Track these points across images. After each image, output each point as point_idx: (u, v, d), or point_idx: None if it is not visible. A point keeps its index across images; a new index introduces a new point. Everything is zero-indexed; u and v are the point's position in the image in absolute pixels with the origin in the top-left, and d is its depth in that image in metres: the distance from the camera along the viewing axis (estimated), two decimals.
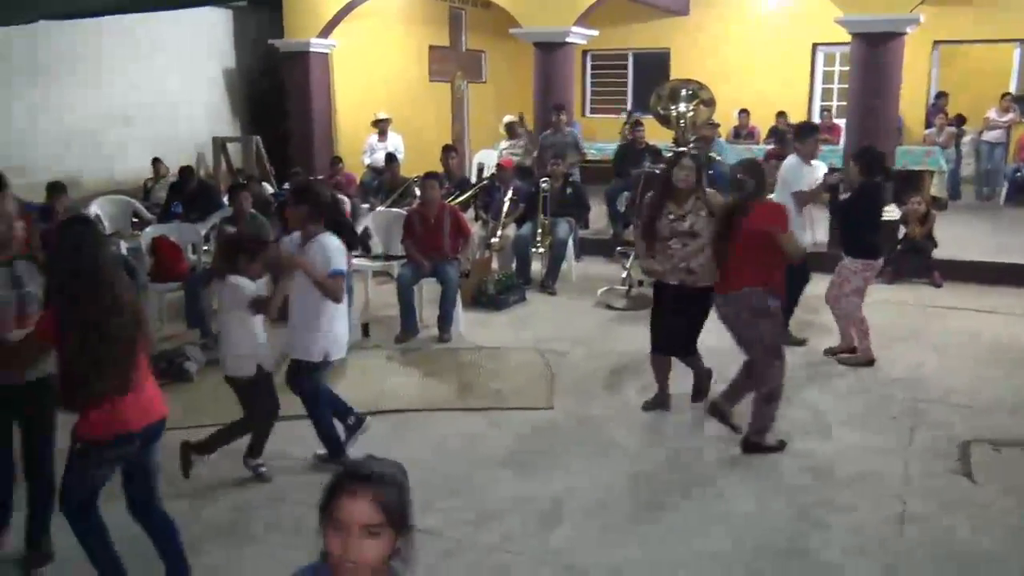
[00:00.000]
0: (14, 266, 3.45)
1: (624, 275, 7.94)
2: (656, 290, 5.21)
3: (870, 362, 6.06)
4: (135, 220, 9.28)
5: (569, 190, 8.75)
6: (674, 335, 5.14)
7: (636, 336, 5.78)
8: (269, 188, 10.01)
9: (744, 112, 13.10)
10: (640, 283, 7.85)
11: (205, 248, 8.03)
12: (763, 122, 12.98)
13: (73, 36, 9.87)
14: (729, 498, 4.28)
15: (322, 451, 4.57)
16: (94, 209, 8.95)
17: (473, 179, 10.89)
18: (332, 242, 4.29)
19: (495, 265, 8.29)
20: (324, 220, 4.34)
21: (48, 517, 3.66)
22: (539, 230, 8.39)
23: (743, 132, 13.07)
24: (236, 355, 4.29)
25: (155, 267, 7.08)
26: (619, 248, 8.45)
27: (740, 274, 4.59)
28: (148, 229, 7.82)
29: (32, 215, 7.16)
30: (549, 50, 10.55)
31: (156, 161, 10.53)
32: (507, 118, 10.63)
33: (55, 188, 7.46)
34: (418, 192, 8.47)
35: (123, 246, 8.24)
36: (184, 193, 9.14)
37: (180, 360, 5.88)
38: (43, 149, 9.69)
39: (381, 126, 11.25)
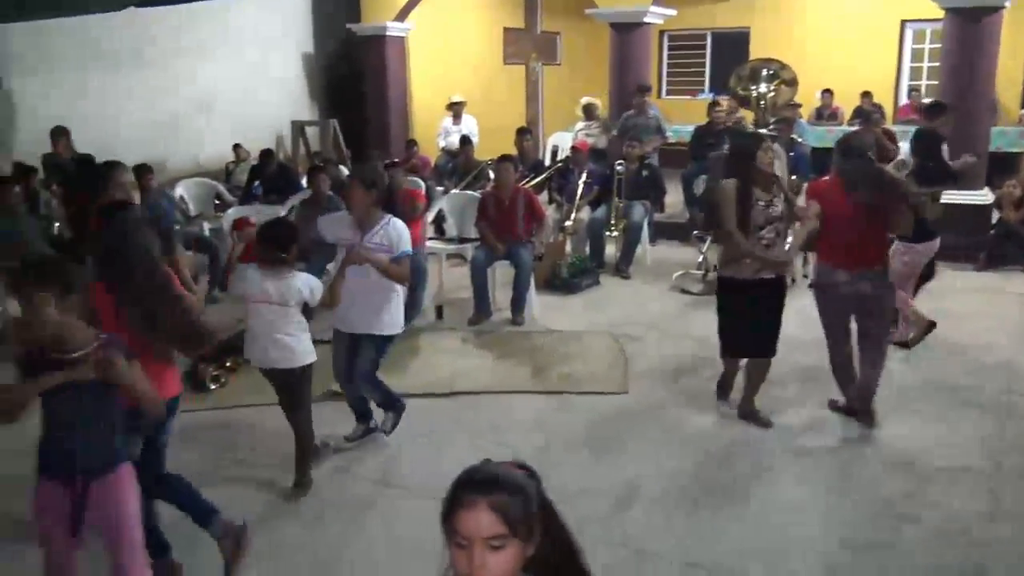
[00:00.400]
0: None
1: (700, 259, 7.80)
2: (734, 287, 4.72)
3: (902, 344, 5.88)
4: (217, 202, 9.53)
5: (645, 173, 8.63)
6: (764, 333, 4.75)
7: (711, 321, 5.66)
8: (345, 171, 10.14)
9: (827, 92, 12.69)
10: (716, 267, 7.70)
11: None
12: (847, 102, 12.55)
13: (159, 24, 10.16)
14: (807, 487, 4.17)
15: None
16: (179, 191, 9.23)
17: (547, 162, 10.83)
18: (401, 224, 4.30)
19: (569, 248, 8.23)
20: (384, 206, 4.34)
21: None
22: (613, 213, 8.31)
23: (826, 113, 12.67)
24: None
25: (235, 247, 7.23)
26: (695, 232, 8.31)
27: (878, 249, 4.63)
28: (230, 210, 8.03)
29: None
30: (626, 31, 10.39)
31: (237, 146, 10.79)
32: (585, 99, 10.51)
33: (142, 170, 7.69)
34: (492, 175, 8.48)
35: (206, 227, 8.51)
36: (264, 176, 9.37)
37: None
38: (132, 134, 10.01)
39: (456, 109, 11.27)
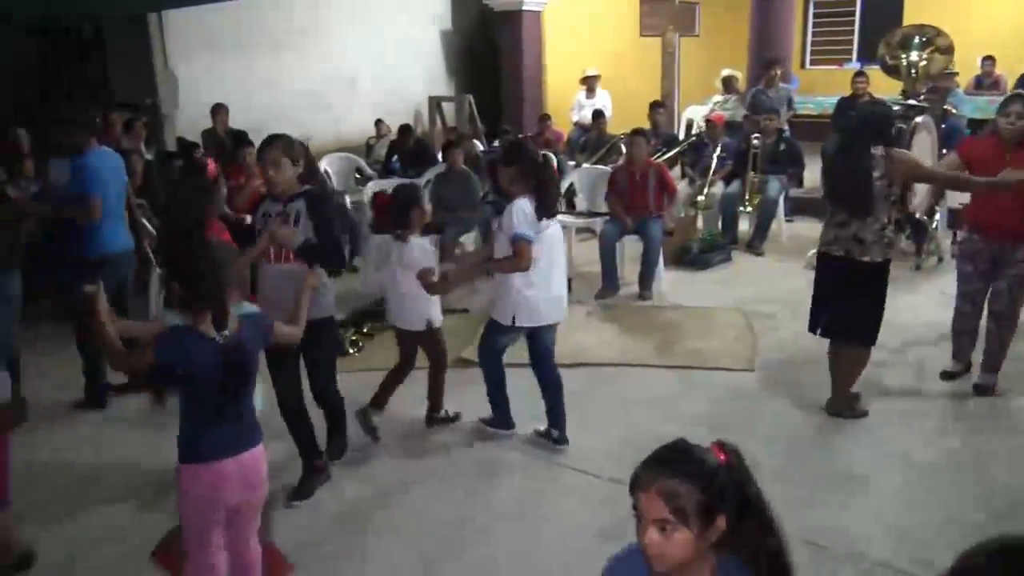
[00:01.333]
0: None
1: None
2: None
3: None
4: (358, 176, 9.95)
5: (783, 146, 8.38)
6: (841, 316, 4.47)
7: None
8: (480, 146, 10.36)
9: (989, 59, 11.83)
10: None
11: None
12: (1011, 70, 11.66)
13: (307, 5, 10.64)
14: (930, 471, 4.02)
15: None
16: (323, 166, 9.69)
17: (681, 135, 10.67)
18: (523, 206, 3.96)
19: (700, 224, 8.13)
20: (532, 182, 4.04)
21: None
22: (748, 188, 8.12)
23: (986, 82, 11.82)
24: (409, 309, 4.40)
25: (375, 219, 7.56)
26: None
27: None
28: (370, 184, 8.37)
29: None
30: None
31: (379, 122, 11.19)
32: (725, 71, 10.28)
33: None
34: (624, 149, 8.45)
35: (347, 200, 8.90)
36: (402, 150, 9.70)
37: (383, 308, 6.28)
38: (280, 111, 10.57)
39: (590, 83, 11.26)
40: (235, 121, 9.06)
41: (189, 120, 9.58)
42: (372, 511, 3.86)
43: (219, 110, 9.26)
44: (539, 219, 3.98)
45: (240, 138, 7.67)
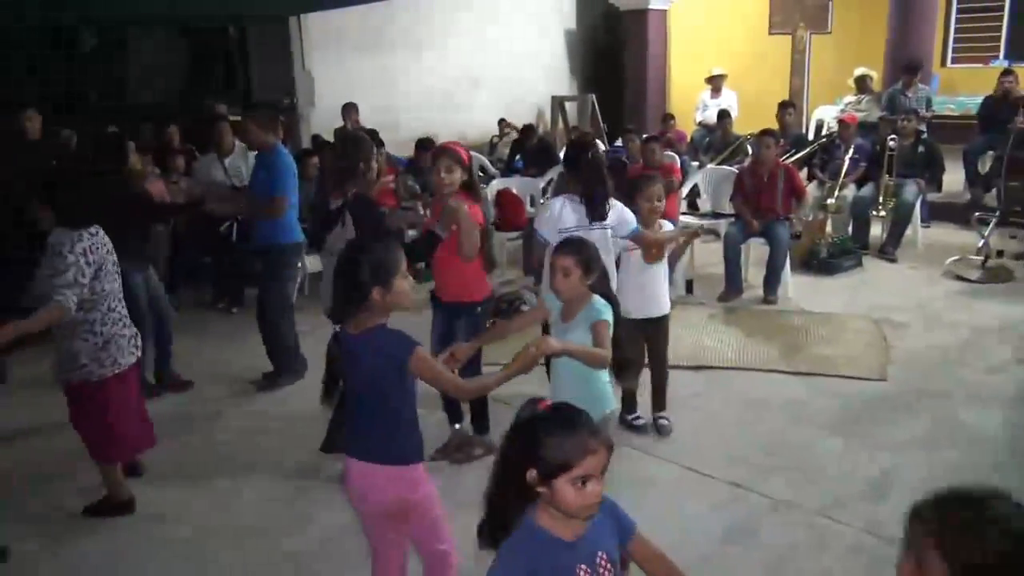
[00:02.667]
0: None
1: (981, 244, 7.15)
2: None
3: None
4: (481, 174, 10.12)
5: (921, 148, 8.02)
6: None
7: (989, 311, 5.24)
8: (602, 146, 10.36)
9: None
10: (1000, 253, 7.05)
11: (542, 201, 8.55)
12: None
13: (435, 7, 10.91)
14: None
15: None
16: None
17: (810, 136, 10.36)
18: (551, 205, 4.21)
19: (829, 228, 7.88)
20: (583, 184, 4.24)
21: None
22: (882, 192, 7.82)
23: None
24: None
25: (499, 217, 7.70)
26: (977, 214, 7.61)
27: None
28: (494, 182, 8.51)
29: (399, 168, 8.18)
30: None
31: (502, 121, 11.36)
32: (859, 70, 9.92)
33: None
34: (750, 149, 8.28)
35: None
36: (525, 149, 9.81)
37: (517, 303, 6.39)
38: (408, 110, 10.89)
39: (715, 82, 11.08)
40: (369, 119, 9.40)
41: (323, 118, 10.00)
42: None
43: (349, 109, 9.62)
44: (589, 221, 4.08)
45: (372, 138, 7.94)
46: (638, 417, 4.60)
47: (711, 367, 5.38)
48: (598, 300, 3.08)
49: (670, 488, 4.02)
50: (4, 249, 5.91)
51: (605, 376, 3.13)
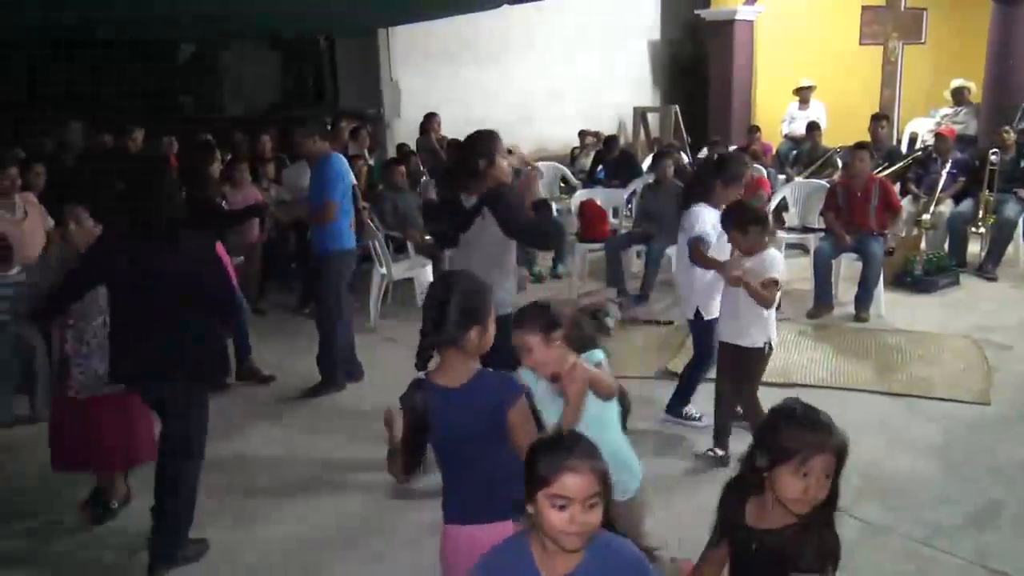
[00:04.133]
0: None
1: None
2: None
3: None
4: (562, 185, 10.13)
5: None
6: None
7: None
8: (685, 157, 10.24)
9: None
10: None
11: (626, 213, 8.50)
12: None
13: (519, 20, 10.94)
14: None
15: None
16: None
17: (903, 150, 10.03)
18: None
19: (924, 244, 7.61)
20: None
21: None
22: (981, 207, 7.51)
23: None
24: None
25: (581, 227, 7.67)
26: None
27: None
28: (578, 192, 8.49)
29: None
30: (1014, 3, 9.21)
31: (583, 133, 11.34)
32: (956, 82, 9.58)
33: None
34: (840, 163, 8.07)
35: (553, 207, 9.08)
36: (607, 160, 9.77)
37: (600, 315, 6.33)
38: (489, 120, 10.91)
39: (803, 94, 10.85)
40: (451, 129, 9.48)
41: (408, 128, 10.15)
42: None
43: (431, 119, 9.73)
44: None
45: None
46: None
47: (801, 385, 5.23)
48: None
49: None
50: None
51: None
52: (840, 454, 1.97)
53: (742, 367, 4.18)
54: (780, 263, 4.06)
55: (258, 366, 5.70)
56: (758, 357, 4.14)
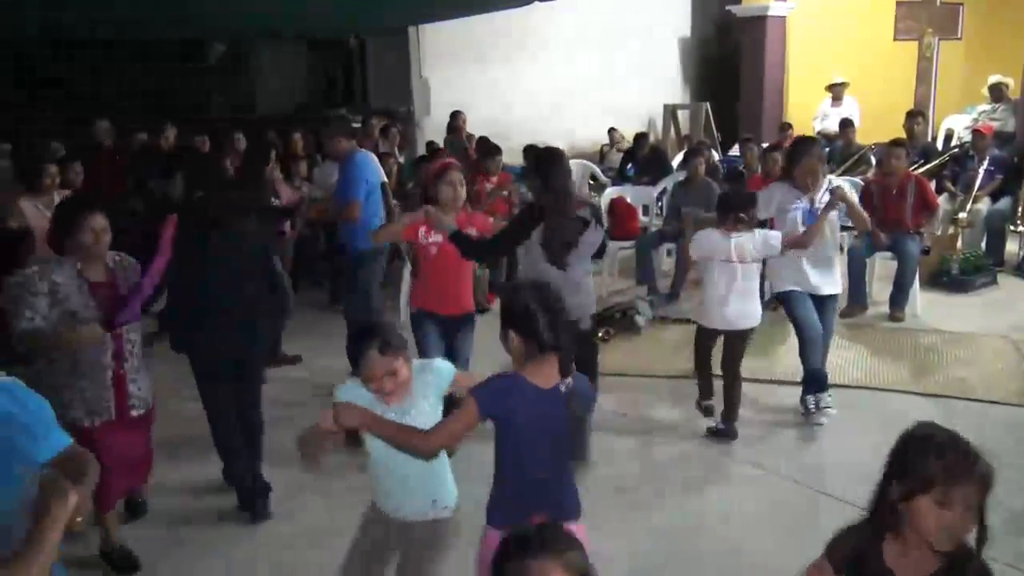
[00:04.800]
0: None
1: None
2: None
3: None
4: (592, 182, 10.09)
5: None
6: None
7: None
8: (716, 155, 10.17)
9: None
10: None
11: (656, 211, 8.46)
12: None
13: (546, 17, 10.91)
14: None
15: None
16: None
17: (940, 147, 9.88)
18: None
19: (960, 243, 7.50)
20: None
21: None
22: (1020, 205, 7.39)
23: None
24: (744, 308, 4.52)
25: (611, 225, 7.63)
26: None
27: None
28: (608, 190, 8.46)
29: (511, 175, 8.23)
30: None
31: (612, 130, 11.29)
32: (993, 78, 9.42)
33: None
34: (874, 160, 7.96)
35: None
36: (637, 158, 9.72)
37: (632, 312, 6.32)
38: (518, 118, 10.94)
39: (836, 91, 10.72)
40: (480, 127, 9.49)
41: (437, 126, 10.16)
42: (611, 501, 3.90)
43: (457, 116, 9.74)
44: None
45: (486, 146, 8.02)
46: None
47: (835, 385, 5.15)
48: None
49: (798, 510, 3.88)
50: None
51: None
52: (986, 483, 1.79)
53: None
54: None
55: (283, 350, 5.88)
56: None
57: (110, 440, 3.26)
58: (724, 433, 4.53)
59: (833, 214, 4.67)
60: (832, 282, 4.76)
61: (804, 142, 5.01)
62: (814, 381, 4.70)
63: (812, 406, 4.67)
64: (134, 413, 3.40)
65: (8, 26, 7.62)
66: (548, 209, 3.88)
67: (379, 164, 5.78)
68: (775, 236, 4.44)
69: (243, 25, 9.18)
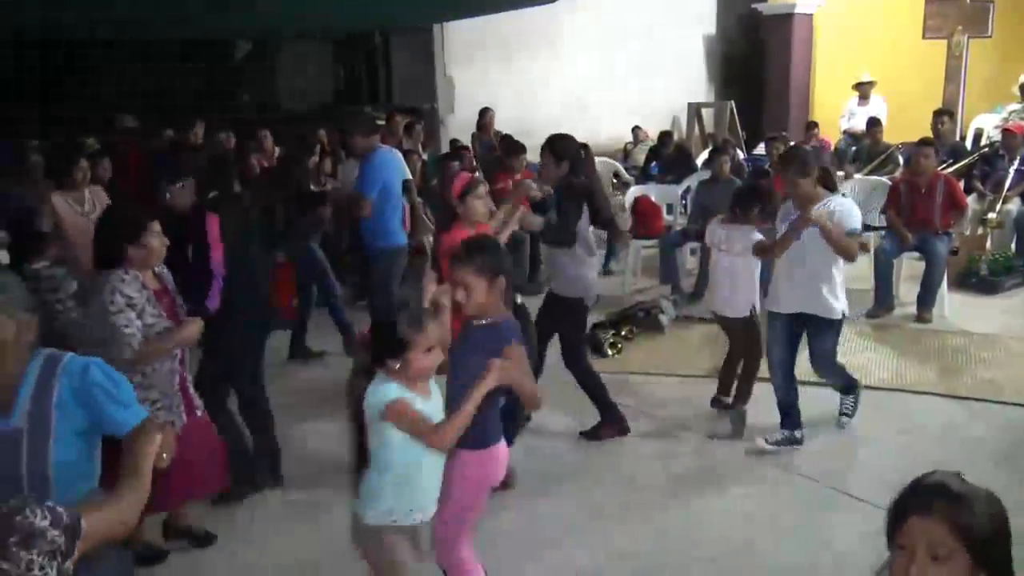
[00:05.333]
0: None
1: None
2: None
3: None
4: (615, 180, 10.05)
5: None
6: None
7: None
8: (740, 154, 10.10)
9: None
10: None
11: (680, 210, 8.41)
12: None
13: (570, 15, 10.89)
14: None
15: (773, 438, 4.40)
16: None
17: (969, 146, 9.76)
18: (850, 202, 4.21)
19: (989, 244, 7.40)
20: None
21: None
22: None
23: None
24: (729, 297, 4.62)
25: (635, 224, 7.61)
26: None
27: None
28: (632, 188, 8.43)
29: (534, 173, 8.22)
30: None
31: (636, 128, 11.25)
32: None
33: None
34: (901, 160, 7.87)
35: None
36: (662, 156, 9.67)
37: (655, 311, 6.30)
38: (542, 115, 10.92)
39: (863, 89, 10.61)
40: (503, 125, 9.49)
41: (461, 123, 10.18)
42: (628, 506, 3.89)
43: (486, 113, 9.73)
44: None
45: (510, 143, 8.02)
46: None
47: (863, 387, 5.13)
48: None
49: (818, 510, 3.86)
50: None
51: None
52: (963, 528, 1.45)
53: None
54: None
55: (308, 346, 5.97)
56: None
57: (183, 445, 3.19)
58: (726, 406, 4.69)
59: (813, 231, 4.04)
60: (806, 301, 4.18)
61: (783, 158, 4.78)
62: (780, 412, 4.39)
63: (773, 442, 4.36)
64: (199, 414, 3.39)
65: (9, 26, 7.69)
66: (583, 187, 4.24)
67: (403, 161, 5.80)
68: (756, 237, 4.46)
69: (268, 24, 9.23)
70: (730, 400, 4.70)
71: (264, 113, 11.01)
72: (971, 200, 7.63)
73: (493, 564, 2.98)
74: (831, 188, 4.25)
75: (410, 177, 5.93)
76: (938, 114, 9.06)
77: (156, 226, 3.18)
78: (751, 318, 4.60)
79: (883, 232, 6.87)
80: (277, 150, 8.35)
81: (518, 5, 8.75)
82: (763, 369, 4.59)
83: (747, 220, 4.54)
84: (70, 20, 7.37)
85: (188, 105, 9.73)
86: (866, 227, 7.41)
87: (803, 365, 4.49)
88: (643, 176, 9.73)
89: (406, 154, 7.99)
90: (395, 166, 5.53)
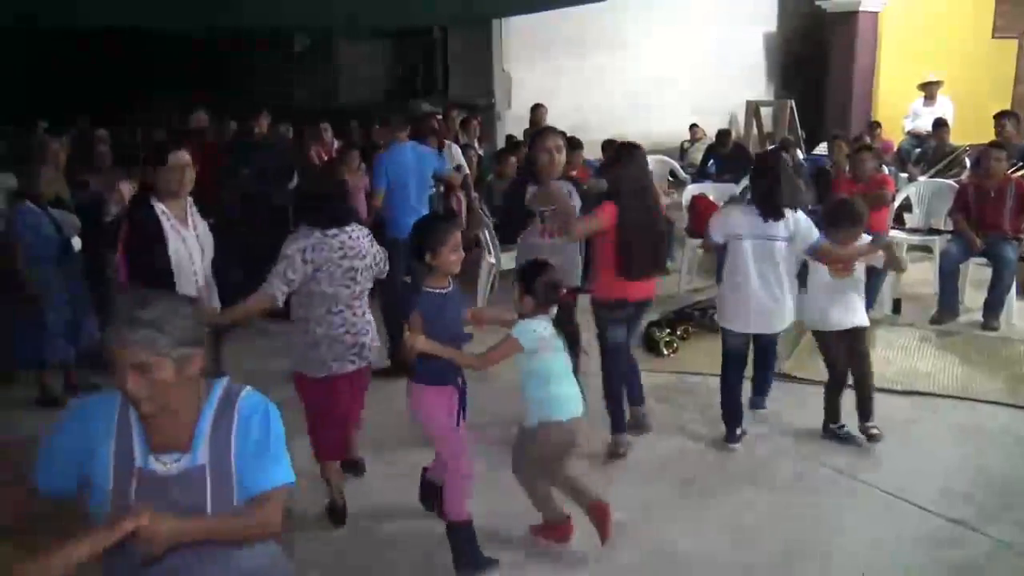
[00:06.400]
0: None
1: None
2: None
3: None
4: (671, 179, 9.97)
5: None
6: None
7: None
8: (800, 153, 9.94)
9: None
10: None
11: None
12: None
13: (627, 11, 10.81)
14: None
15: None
16: None
17: None
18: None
19: None
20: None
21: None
22: None
23: None
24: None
25: (691, 222, 7.54)
26: None
27: None
28: (689, 186, 8.35)
29: (590, 170, 8.20)
30: None
31: (693, 126, 11.14)
32: None
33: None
34: (968, 162, 7.67)
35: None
36: (719, 154, 9.57)
37: (711, 312, 6.22)
38: (598, 112, 10.88)
39: (929, 89, 10.34)
40: (559, 121, 9.44)
41: (518, 119, 10.18)
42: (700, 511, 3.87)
43: (538, 109, 9.70)
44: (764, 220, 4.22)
45: (567, 140, 7.98)
46: (842, 426, 4.47)
47: (924, 393, 5.02)
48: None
49: (880, 517, 3.78)
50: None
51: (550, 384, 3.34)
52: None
53: (858, 346, 4.47)
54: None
55: None
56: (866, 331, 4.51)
57: (343, 387, 3.68)
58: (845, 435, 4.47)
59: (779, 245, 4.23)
60: (857, 314, 4.38)
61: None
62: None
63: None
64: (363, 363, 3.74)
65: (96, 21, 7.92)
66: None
67: (429, 157, 5.91)
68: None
69: (330, 19, 9.34)
70: (843, 425, 4.48)
71: (323, 105, 11.17)
72: None
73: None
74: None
75: (468, 172, 5.97)
76: (999, 116, 8.77)
77: None
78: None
79: (948, 236, 6.70)
80: (336, 142, 8.46)
81: (573, 2, 8.72)
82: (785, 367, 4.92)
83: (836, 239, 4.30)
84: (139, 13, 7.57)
85: (250, 98, 9.91)
86: (932, 230, 7.29)
87: (880, 372, 4.42)
88: (700, 174, 9.64)
89: (463, 149, 8.04)
90: (405, 161, 5.64)
